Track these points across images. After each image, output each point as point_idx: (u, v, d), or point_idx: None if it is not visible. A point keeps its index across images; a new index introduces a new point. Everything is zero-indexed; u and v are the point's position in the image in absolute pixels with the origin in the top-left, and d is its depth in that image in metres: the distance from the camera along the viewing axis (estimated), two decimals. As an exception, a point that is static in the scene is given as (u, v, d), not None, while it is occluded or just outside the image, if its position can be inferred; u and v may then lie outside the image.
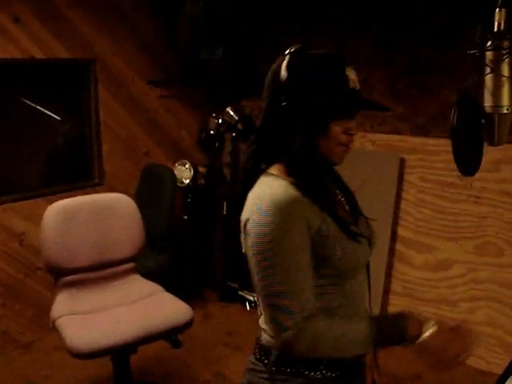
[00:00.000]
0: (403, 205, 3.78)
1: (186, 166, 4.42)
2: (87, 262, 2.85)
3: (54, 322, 2.71)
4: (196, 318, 2.75)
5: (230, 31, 4.04)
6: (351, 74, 1.36)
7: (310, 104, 1.34)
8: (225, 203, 4.48)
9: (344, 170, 1.51)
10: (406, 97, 3.72)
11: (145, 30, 4.16)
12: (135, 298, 2.83)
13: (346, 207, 1.51)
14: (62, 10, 3.74)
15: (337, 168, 1.51)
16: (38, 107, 3.95)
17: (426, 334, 1.32)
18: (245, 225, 1.37)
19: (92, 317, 2.67)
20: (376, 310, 3.78)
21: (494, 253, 3.42)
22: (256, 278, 1.34)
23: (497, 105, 1.42)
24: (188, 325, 2.69)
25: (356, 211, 1.52)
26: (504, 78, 1.40)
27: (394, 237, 3.81)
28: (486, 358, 3.44)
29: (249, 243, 1.34)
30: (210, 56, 4.02)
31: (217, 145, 4.55)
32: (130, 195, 3.98)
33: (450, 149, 3.46)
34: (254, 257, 1.33)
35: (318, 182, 1.39)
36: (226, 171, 4.63)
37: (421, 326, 1.34)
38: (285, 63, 1.38)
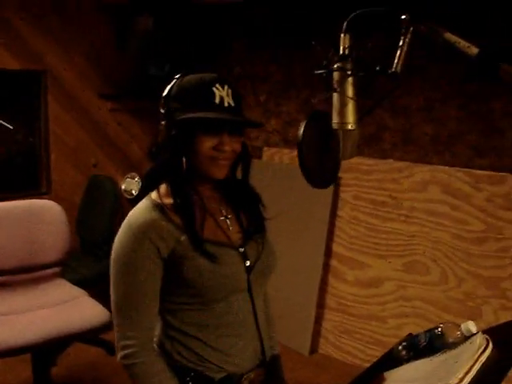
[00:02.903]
0: (338, 222, 3.87)
1: (136, 178, 4.51)
2: (12, 264, 2.91)
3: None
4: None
5: (177, 48, 4.15)
6: (220, 91, 1.40)
7: (174, 120, 1.40)
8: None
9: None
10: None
11: (96, 44, 4.25)
12: (57, 302, 2.90)
13: (231, 230, 1.51)
14: (12, 21, 3.84)
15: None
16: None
17: None
18: None
19: (11, 317, 2.73)
20: (309, 325, 3.87)
21: (422, 271, 3.51)
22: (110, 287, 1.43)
23: (342, 122, 1.52)
24: (104, 328, 2.77)
25: (249, 236, 1.53)
26: (348, 98, 1.50)
27: (329, 253, 3.90)
28: (411, 374, 3.51)
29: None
30: (158, 72, 4.13)
31: (167, 158, 4.63)
32: (75, 204, 4.09)
33: (381, 169, 3.62)
34: (110, 267, 1.42)
35: (181, 202, 1.41)
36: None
37: None
38: (168, 86, 1.46)
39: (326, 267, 3.91)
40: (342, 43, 1.50)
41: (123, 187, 4.46)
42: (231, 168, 1.51)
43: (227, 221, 1.53)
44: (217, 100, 1.40)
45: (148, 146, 4.56)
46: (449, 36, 1.42)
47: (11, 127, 4.22)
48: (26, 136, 4.27)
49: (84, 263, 3.40)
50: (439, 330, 1.64)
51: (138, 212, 1.41)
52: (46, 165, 4.18)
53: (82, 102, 4.26)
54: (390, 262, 3.64)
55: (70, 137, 4.25)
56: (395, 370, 1.64)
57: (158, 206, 1.41)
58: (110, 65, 4.26)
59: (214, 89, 1.40)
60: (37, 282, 2.97)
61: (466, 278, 3.35)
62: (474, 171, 3.33)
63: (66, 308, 2.84)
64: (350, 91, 1.51)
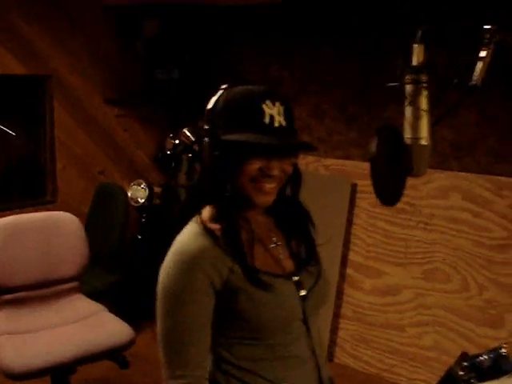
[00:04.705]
0: (354, 229, 3.81)
1: (142, 185, 4.41)
2: (28, 280, 2.81)
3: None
4: (145, 339, 2.72)
5: (185, 53, 4.07)
6: (270, 109, 1.26)
7: (218, 139, 1.28)
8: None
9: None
10: (359, 122, 3.78)
11: (103, 49, 4.16)
12: (76, 318, 2.80)
13: (282, 256, 1.40)
14: (18, 25, 3.74)
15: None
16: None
17: None
18: None
19: (30, 336, 2.63)
20: (325, 334, 3.80)
21: (442, 279, 3.46)
22: (157, 317, 1.31)
23: (416, 137, 1.45)
24: (128, 345, 2.67)
25: (302, 263, 1.42)
26: (422, 111, 1.43)
27: (344, 261, 3.83)
28: (431, 382, 3.46)
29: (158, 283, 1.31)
30: (166, 76, 4.04)
31: (173, 165, 4.54)
32: (83, 214, 3.97)
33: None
34: (157, 297, 1.30)
35: (229, 227, 1.30)
36: (182, 192, 4.62)
37: None
38: (213, 99, 1.33)
39: (342, 276, 3.85)
40: (415, 53, 1.43)
41: (129, 194, 4.35)
42: (280, 189, 1.37)
43: (278, 248, 1.42)
44: (266, 120, 1.26)
45: (154, 153, 4.48)
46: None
47: (14, 134, 4.10)
48: (30, 143, 4.16)
49: (94, 275, 3.30)
50: (503, 350, 1.57)
51: (188, 238, 1.29)
52: (52, 172, 4.07)
53: (87, 108, 4.16)
54: (409, 270, 3.58)
55: (76, 143, 4.15)
56: None
57: (208, 232, 1.29)
58: (117, 70, 4.16)
59: (264, 106, 1.27)
60: (54, 297, 2.87)
61: (487, 285, 3.31)
62: (495, 177, 3.29)
63: (87, 325, 2.74)
64: (423, 104, 1.44)
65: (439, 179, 3.47)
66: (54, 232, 2.89)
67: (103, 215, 3.91)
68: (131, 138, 4.49)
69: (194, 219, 1.33)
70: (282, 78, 4.13)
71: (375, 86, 3.62)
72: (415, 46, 1.42)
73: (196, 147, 4.30)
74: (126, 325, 2.72)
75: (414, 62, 1.43)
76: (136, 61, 4.06)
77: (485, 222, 3.31)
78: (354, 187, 3.78)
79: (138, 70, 4.10)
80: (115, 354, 2.71)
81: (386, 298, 3.69)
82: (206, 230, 1.29)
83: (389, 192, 1.50)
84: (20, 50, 3.76)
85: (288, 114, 1.31)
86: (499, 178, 3.28)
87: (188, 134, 4.32)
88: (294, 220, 1.46)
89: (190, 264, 1.25)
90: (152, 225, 4.46)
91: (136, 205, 4.36)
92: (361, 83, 3.74)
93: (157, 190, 4.54)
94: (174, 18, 3.98)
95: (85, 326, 2.74)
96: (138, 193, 4.39)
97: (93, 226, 3.12)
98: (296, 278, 1.38)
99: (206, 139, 1.32)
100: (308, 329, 1.40)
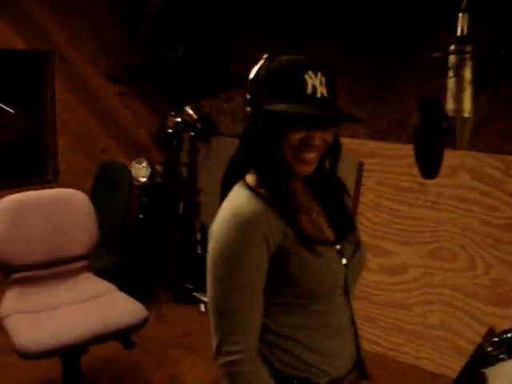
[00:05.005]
0: (361, 208, 3.79)
1: (143, 164, 4.36)
2: (38, 258, 2.75)
3: (1, 320, 2.61)
4: (149, 319, 2.70)
5: (191, 30, 3.98)
6: (313, 80, 1.26)
7: (260, 109, 1.30)
8: (181, 203, 4.43)
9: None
10: (366, 102, 3.74)
11: (105, 25, 4.08)
12: (87, 297, 2.76)
13: (324, 225, 1.42)
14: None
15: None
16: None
17: None
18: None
19: (41, 315, 2.58)
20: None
21: (449, 257, 3.46)
22: (207, 287, 1.31)
23: (459, 109, 1.42)
24: (141, 325, 2.64)
25: (341, 228, 1.44)
26: (466, 82, 1.40)
27: (351, 240, 3.81)
28: (437, 361, 3.48)
29: (208, 249, 1.31)
30: (170, 54, 3.96)
31: (175, 143, 4.49)
32: (84, 192, 3.90)
33: (406, 154, 3.55)
34: (208, 264, 1.30)
35: (281, 194, 1.32)
36: (184, 170, 4.58)
37: None
38: (255, 69, 1.34)
39: (348, 255, 3.83)
40: (460, 23, 1.39)
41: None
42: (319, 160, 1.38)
43: (319, 217, 1.43)
44: (309, 90, 1.26)
45: (156, 131, 4.40)
46: None
47: (12, 111, 4.01)
48: (30, 121, 4.07)
49: (98, 254, 3.24)
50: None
51: (241, 202, 1.29)
52: (53, 151, 4.00)
53: (89, 85, 4.08)
54: (416, 249, 3.58)
55: (77, 121, 4.08)
56: (495, 367, 1.58)
57: (260, 196, 1.30)
58: (120, 46, 4.08)
59: (307, 77, 1.26)
60: (64, 276, 2.82)
61: (494, 264, 3.31)
62: (505, 156, 3.27)
63: (99, 304, 2.70)
64: (468, 75, 1.41)
65: (448, 158, 3.36)
66: (62, 210, 2.83)
67: (106, 194, 3.85)
68: (133, 116, 4.43)
69: (239, 184, 1.35)
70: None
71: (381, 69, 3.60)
72: (460, 15, 1.38)
73: (198, 125, 4.26)
74: (139, 303, 2.68)
75: (459, 32, 1.39)
76: (139, 37, 3.97)
77: (493, 201, 3.30)
78: (360, 166, 3.76)
79: (140, 47, 4.01)
80: (128, 334, 2.66)
81: (393, 277, 3.68)
82: (258, 195, 1.30)
83: (430, 165, 1.48)
84: (22, 25, 3.66)
85: (330, 85, 1.30)
86: (508, 157, 3.27)
87: (190, 111, 4.27)
88: (331, 191, 1.47)
89: (247, 226, 1.25)
90: (154, 204, 4.42)
91: (137, 183, 4.32)
92: (367, 68, 3.70)
93: (158, 168, 4.49)
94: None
95: (97, 305, 2.69)
96: (140, 171, 4.34)
97: (95, 205, 3.05)
98: (338, 247, 1.39)
99: (248, 108, 1.33)
100: (348, 297, 1.42)
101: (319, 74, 1.28)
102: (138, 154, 4.42)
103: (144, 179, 4.34)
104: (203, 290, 4.23)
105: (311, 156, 1.31)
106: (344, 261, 1.38)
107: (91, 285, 2.86)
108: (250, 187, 1.33)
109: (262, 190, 1.32)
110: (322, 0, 3.76)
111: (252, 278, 1.27)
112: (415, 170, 3.60)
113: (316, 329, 1.36)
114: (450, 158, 3.44)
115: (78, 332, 2.46)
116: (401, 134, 3.58)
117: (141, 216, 4.34)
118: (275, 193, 1.31)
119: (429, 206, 3.53)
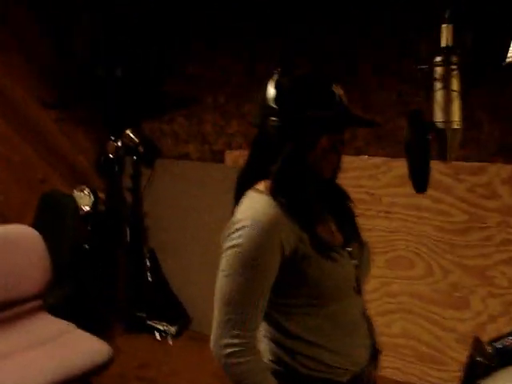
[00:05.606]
0: (315, 223, 3.77)
1: (85, 191, 4.18)
2: (-13, 302, 2.56)
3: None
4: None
5: (130, 50, 3.86)
6: (338, 90, 1.41)
7: (300, 118, 1.38)
8: (128, 229, 4.27)
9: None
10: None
11: (39, 48, 3.89)
12: (45, 339, 2.58)
13: (333, 229, 1.51)
14: None
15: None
16: None
17: None
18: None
19: (-3, 364, 2.39)
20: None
21: (406, 265, 3.48)
22: (217, 283, 1.37)
23: (448, 120, 1.41)
24: (107, 364, 2.50)
25: (349, 235, 1.54)
26: (454, 94, 1.38)
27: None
28: (401, 369, 3.49)
29: (224, 246, 1.37)
30: (107, 74, 3.81)
31: (117, 169, 4.32)
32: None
33: (356, 166, 3.56)
34: (223, 260, 1.36)
35: (301, 200, 1.41)
36: (128, 196, 4.41)
37: None
38: (272, 84, 1.42)
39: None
40: (444, 34, 1.38)
41: (72, 202, 4.10)
42: None
43: (330, 222, 1.53)
44: (337, 99, 1.41)
45: (95, 157, 4.23)
46: None
47: None
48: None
49: (48, 291, 3.05)
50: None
51: (261, 206, 1.38)
52: (-13, 184, 3.77)
53: (24, 113, 3.87)
54: (373, 260, 3.57)
55: (14, 151, 3.84)
56: (490, 378, 1.59)
57: (278, 202, 1.38)
58: (54, 70, 3.90)
59: (334, 88, 1.41)
60: (17, 318, 2.62)
61: (451, 269, 3.36)
62: (453, 163, 3.33)
63: (59, 346, 2.52)
64: (455, 86, 1.39)
65: (398, 167, 3.48)
66: (12, 247, 2.64)
67: (50, 226, 3.65)
68: (71, 143, 4.24)
69: (254, 191, 1.43)
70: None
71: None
72: (444, 26, 1.37)
73: (141, 149, 4.12)
74: (102, 341, 2.53)
75: (443, 43, 1.38)
76: (74, 54, 3.80)
77: (445, 206, 3.35)
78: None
79: (76, 70, 3.86)
80: (93, 375, 2.50)
81: (351, 290, 3.67)
82: (275, 200, 1.38)
83: (421, 179, 1.46)
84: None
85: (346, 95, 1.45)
86: (457, 163, 3.32)
87: (131, 135, 4.13)
88: (335, 198, 1.60)
89: (270, 229, 1.33)
90: (99, 233, 4.24)
91: (81, 212, 4.12)
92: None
93: (100, 195, 4.32)
94: (113, 11, 3.76)
95: (57, 347, 2.52)
96: (82, 200, 4.16)
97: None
98: (349, 249, 1.49)
99: (274, 118, 1.39)
100: (360, 296, 1.53)
101: (339, 87, 1.43)
102: (78, 181, 4.24)
103: (87, 208, 4.15)
104: (157, 318, 4.09)
105: (339, 158, 1.46)
106: (355, 262, 1.48)
107: (48, 325, 2.69)
108: (266, 194, 1.40)
109: (275, 197, 1.39)
110: (261, 18, 3.74)
111: (263, 278, 1.34)
112: (365, 182, 3.65)
113: (333, 329, 1.44)
114: (400, 167, 3.47)
115: (38, 379, 2.29)
116: (350, 146, 3.59)
117: (86, 246, 4.15)
118: (295, 199, 1.39)
119: (382, 217, 3.55)
